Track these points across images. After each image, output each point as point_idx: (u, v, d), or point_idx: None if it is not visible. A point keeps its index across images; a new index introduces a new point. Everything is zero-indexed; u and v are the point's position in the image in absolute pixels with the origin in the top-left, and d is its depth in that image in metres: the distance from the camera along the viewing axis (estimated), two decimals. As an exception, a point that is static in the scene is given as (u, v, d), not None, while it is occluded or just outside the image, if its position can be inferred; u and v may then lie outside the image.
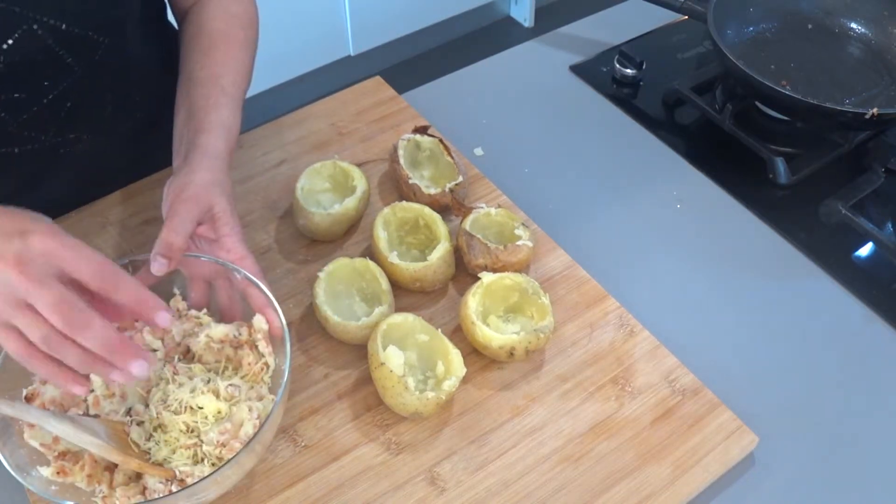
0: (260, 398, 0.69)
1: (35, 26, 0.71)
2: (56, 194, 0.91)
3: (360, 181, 0.88)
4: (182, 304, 0.74)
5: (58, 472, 0.63)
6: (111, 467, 0.65)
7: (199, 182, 0.72)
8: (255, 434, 0.63)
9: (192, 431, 0.66)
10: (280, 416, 0.66)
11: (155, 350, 0.71)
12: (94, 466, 0.64)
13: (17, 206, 0.61)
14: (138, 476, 0.66)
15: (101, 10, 0.77)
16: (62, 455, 0.64)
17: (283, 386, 0.64)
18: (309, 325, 0.81)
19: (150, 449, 0.66)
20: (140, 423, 0.67)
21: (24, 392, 0.66)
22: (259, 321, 0.71)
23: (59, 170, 0.87)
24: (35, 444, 0.64)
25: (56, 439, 0.64)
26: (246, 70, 0.84)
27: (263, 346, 0.71)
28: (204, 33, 0.84)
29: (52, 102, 0.78)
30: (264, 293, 0.70)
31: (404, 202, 0.86)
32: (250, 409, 0.66)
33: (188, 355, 0.73)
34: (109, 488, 0.64)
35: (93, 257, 0.57)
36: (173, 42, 0.90)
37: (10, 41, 0.70)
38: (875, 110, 0.91)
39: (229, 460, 0.61)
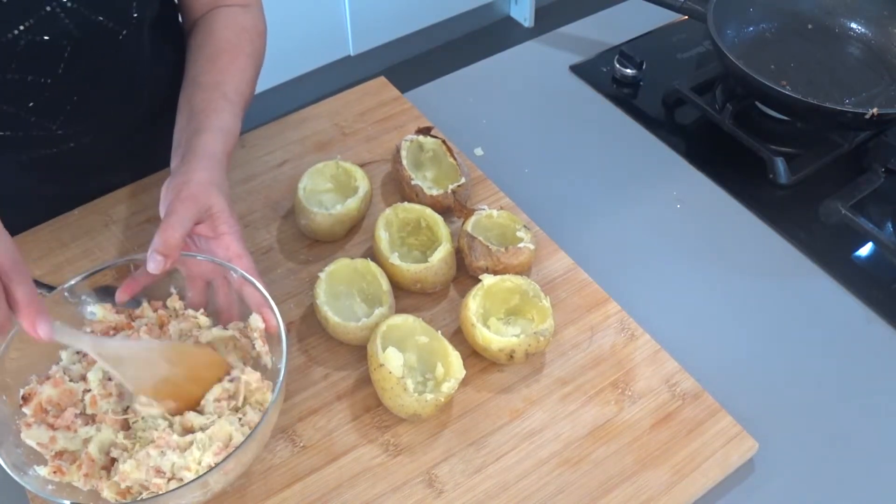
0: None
1: (58, 9, 0.72)
2: (60, 189, 0.91)
3: (362, 182, 0.88)
4: (179, 304, 0.74)
5: (54, 472, 0.63)
6: (108, 466, 0.65)
7: (197, 181, 0.72)
8: (257, 426, 0.63)
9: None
10: (278, 409, 0.66)
11: None
12: (91, 466, 0.64)
13: (23, 202, 0.61)
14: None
15: (122, 0, 0.77)
16: (59, 455, 0.64)
17: (280, 381, 0.64)
18: (309, 326, 0.81)
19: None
20: (135, 422, 0.67)
21: (22, 392, 0.66)
22: (255, 320, 0.71)
23: (65, 163, 0.87)
24: (32, 443, 0.64)
25: (53, 438, 0.64)
26: (249, 80, 0.85)
27: (260, 344, 0.71)
28: (212, 42, 0.85)
29: (66, 89, 0.79)
30: (260, 292, 0.70)
31: (406, 203, 0.86)
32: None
33: None
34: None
35: (8, 247, 0.58)
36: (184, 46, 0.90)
37: (32, 20, 0.71)
38: (875, 110, 0.91)
39: (233, 451, 0.61)
